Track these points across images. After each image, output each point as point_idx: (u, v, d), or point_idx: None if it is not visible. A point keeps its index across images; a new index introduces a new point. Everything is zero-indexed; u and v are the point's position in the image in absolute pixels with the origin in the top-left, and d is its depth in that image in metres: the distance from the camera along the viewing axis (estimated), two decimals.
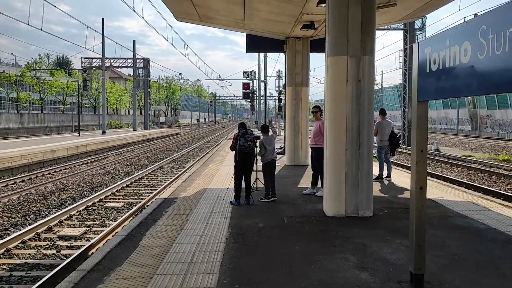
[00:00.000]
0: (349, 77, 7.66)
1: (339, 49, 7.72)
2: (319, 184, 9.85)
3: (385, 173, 12.11)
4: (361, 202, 7.78)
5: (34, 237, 8.99)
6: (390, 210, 8.41)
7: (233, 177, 9.22)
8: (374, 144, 8.74)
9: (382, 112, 12.26)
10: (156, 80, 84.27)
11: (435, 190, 10.58)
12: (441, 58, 4.15)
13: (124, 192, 14.07)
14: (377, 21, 8.34)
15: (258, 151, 9.28)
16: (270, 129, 9.53)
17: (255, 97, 42.98)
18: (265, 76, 44.34)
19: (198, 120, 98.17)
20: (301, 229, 7.10)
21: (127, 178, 16.28)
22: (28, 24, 22.32)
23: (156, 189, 14.18)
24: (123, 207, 11.79)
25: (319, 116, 9.97)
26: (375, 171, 10.21)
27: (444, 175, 16.78)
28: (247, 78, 40.48)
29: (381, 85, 72.49)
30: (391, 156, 12.49)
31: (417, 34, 33.34)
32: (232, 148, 9.15)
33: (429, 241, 5.26)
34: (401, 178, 12.52)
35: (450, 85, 4.00)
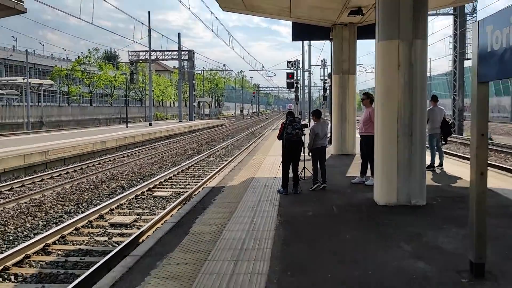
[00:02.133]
0: (401, 62, 7.41)
1: (390, 33, 7.48)
2: (368, 173, 9.64)
3: (437, 161, 11.73)
4: (413, 191, 7.55)
5: (87, 224, 9.26)
6: (444, 199, 8.13)
7: (281, 165, 9.16)
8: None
9: (434, 99, 11.85)
10: (200, 72, 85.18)
11: (491, 179, 10.05)
12: (504, 36, 3.93)
13: (172, 181, 14.29)
14: (429, 5, 8.01)
15: (307, 140, 9.14)
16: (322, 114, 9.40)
17: (299, 87, 42.63)
18: (309, 65, 43.85)
19: (241, 111, 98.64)
20: (351, 218, 6.98)
21: (174, 168, 16.53)
22: (80, 18, 22.98)
23: (203, 179, 14.32)
24: (171, 196, 11.97)
25: (369, 103, 9.74)
26: (427, 160, 9.89)
27: (499, 164, 16.10)
28: (291, 68, 40.19)
29: (430, 72, 70.40)
30: (443, 144, 12.08)
31: (467, 19, 32.07)
32: (279, 137, 9.08)
33: (488, 230, 5.03)
34: (454, 167, 12.09)
35: None
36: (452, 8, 30.13)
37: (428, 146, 11.40)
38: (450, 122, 12.08)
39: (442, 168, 11.59)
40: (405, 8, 7.36)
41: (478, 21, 4.39)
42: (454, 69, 33.08)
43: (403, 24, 7.37)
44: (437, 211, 7.25)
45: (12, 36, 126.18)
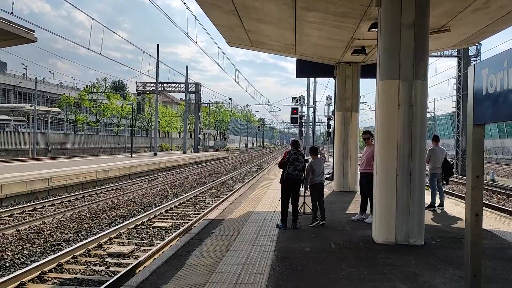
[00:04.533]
0: (401, 102, 7.53)
1: (390, 73, 7.63)
2: (368, 211, 9.63)
3: (437, 201, 11.71)
4: (412, 230, 7.53)
5: (84, 253, 9.23)
6: (443, 240, 8.09)
7: (280, 200, 9.18)
8: (426, 171, 8.48)
9: (435, 139, 11.92)
10: (206, 104, 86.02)
11: (491, 221, 10.10)
12: (498, 81, 4.02)
13: (173, 212, 14.28)
14: (430, 47, 8.20)
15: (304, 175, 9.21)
16: (319, 152, 9.49)
17: (303, 123, 42.94)
18: (314, 101, 44.36)
19: (246, 145, 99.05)
20: (349, 255, 6.94)
21: (176, 199, 16.54)
22: (89, 49, 23.48)
23: (203, 211, 14.31)
24: (171, 227, 11.94)
25: (371, 141, 9.83)
26: (427, 199, 9.88)
27: (500, 206, 16.01)
28: (296, 104, 40.61)
29: (434, 112, 70.76)
30: (444, 184, 12.08)
31: (471, 61, 32.47)
32: (280, 166, 9.14)
33: (484, 272, 5.00)
34: (454, 207, 12.04)
35: (507, 108, 3.85)
36: (456, 50, 30.56)
37: (428, 185, 11.42)
38: (452, 162, 12.10)
39: (443, 208, 11.55)
40: (405, 49, 7.54)
41: (474, 64, 4.50)
42: (457, 110, 33.30)
43: (404, 64, 7.53)
44: (435, 251, 7.20)
45: (23, 64, 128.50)
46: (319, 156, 9.47)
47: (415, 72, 7.52)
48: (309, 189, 9.36)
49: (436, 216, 10.63)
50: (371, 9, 8.98)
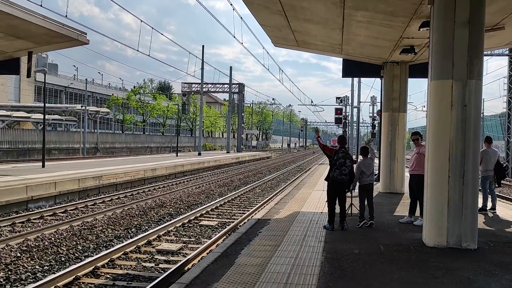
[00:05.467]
0: (454, 102, 7.32)
1: (443, 73, 7.43)
2: (417, 213, 9.44)
3: (489, 205, 11.33)
4: (464, 234, 7.32)
5: (135, 249, 9.49)
6: (497, 244, 7.83)
7: (326, 201, 9.13)
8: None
9: (488, 140, 11.53)
10: (249, 104, 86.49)
11: None
12: None
13: (218, 211, 14.46)
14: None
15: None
16: (369, 152, 9.39)
17: (347, 123, 42.44)
18: (359, 102, 43.66)
19: (288, 145, 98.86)
20: (399, 258, 6.83)
21: (221, 198, 16.73)
22: (138, 51, 24.08)
23: (248, 210, 14.41)
24: (217, 226, 12.10)
25: (420, 142, 9.63)
26: (479, 202, 9.58)
27: None
28: (340, 104, 40.17)
29: (483, 113, 68.35)
30: (496, 187, 11.67)
31: None
32: (323, 148, 9.36)
33: None
34: (507, 211, 11.61)
35: None
36: (507, 49, 29.39)
37: (480, 188, 11.06)
38: (505, 164, 11.66)
39: (495, 212, 11.17)
40: (459, 47, 7.32)
41: None
42: (508, 111, 32.00)
43: (457, 63, 7.32)
44: (489, 256, 6.98)
45: (74, 66, 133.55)
46: (369, 156, 9.33)
47: (469, 71, 7.30)
48: (358, 190, 9.25)
49: (488, 220, 10.29)
50: (422, 7, 8.78)
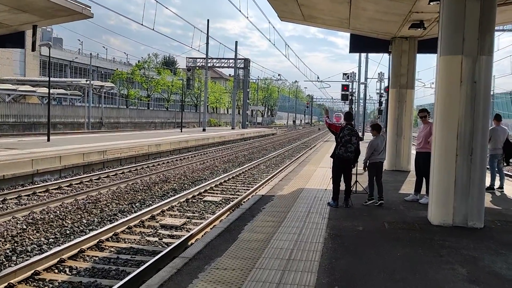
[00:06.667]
0: (463, 78, 7.16)
1: (453, 48, 7.25)
2: (423, 191, 9.36)
3: (497, 183, 11.24)
4: (471, 212, 7.25)
5: (139, 224, 9.50)
6: (504, 223, 7.76)
7: (331, 178, 9.05)
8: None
9: (497, 118, 11.36)
10: (255, 80, 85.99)
11: None
12: None
13: (222, 187, 14.45)
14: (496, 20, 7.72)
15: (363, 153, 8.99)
16: (381, 130, 9.25)
17: (354, 100, 42.11)
18: (366, 78, 43.24)
19: (294, 122, 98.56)
20: (403, 236, 6.78)
21: (225, 174, 16.71)
22: (142, 24, 23.87)
23: (252, 186, 14.39)
24: (221, 202, 12.09)
25: (428, 119, 9.49)
26: (486, 181, 9.48)
27: None
28: (347, 80, 39.78)
29: (493, 90, 67.73)
30: (504, 166, 11.56)
31: None
32: (329, 126, 9.37)
33: None
34: None
35: None
36: None
37: (488, 167, 10.94)
38: None
39: (503, 191, 11.08)
40: (471, 22, 7.12)
41: None
42: None
43: (468, 39, 7.12)
44: (496, 235, 6.92)
45: (78, 40, 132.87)
46: (381, 133, 9.18)
47: (480, 47, 7.11)
48: (368, 168, 9.12)
49: (495, 199, 10.20)
50: None
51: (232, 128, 53.85)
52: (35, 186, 13.30)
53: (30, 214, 9.90)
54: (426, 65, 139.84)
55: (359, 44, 15.61)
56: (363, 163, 9.11)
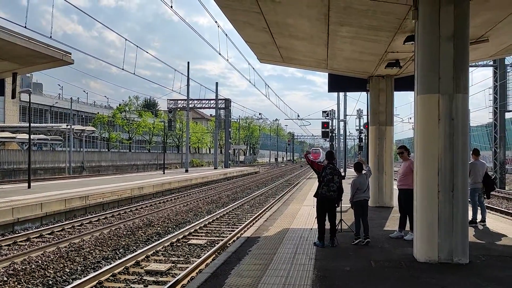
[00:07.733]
0: (441, 116, 7.34)
1: (429, 87, 7.46)
2: (407, 227, 9.40)
3: (479, 217, 11.36)
4: (455, 248, 7.29)
5: (123, 270, 9.29)
6: (488, 258, 7.81)
7: (316, 217, 9.05)
8: None
9: (476, 152, 11.60)
10: (236, 120, 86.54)
11: None
12: None
13: (207, 229, 14.29)
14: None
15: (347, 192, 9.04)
16: (364, 167, 9.33)
17: (334, 137, 42.60)
18: (345, 115, 43.89)
19: (276, 159, 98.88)
20: (390, 274, 6.77)
21: (209, 216, 16.57)
22: (123, 69, 24.02)
23: (237, 227, 14.26)
24: (206, 244, 11.94)
25: (407, 156, 9.64)
26: (469, 215, 9.59)
27: None
28: (326, 118, 40.37)
29: (469, 125, 69.20)
30: (485, 199, 11.72)
31: (508, 70, 31.68)
32: (311, 164, 9.32)
33: None
34: (497, 223, 11.65)
35: None
36: (492, 60, 29.88)
37: (469, 201, 11.09)
38: (494, 176, 11.72)
39: (485, 224, 11.20)
40: (445, 61, 7.35)
41: None
42: (494, 121, 32.40)
43: (444, 77, 7.34)
44: (481, 271, 6.95)
45: (59, 85, 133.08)
46: (363, 172, 9.26)
47: (456, 85, 7.33)
48: (353, 207, 9.15)
49: (478, 233, 10.29)
50: (406, 22, 8.86)
51: (214, 168, 53.69)
52: (16, 235, 12.99)
53: (11, 265, 9.62)
54: (403, 101, 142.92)
55: (338, 83, 15.93)
56: (349, 202, 9.15)
